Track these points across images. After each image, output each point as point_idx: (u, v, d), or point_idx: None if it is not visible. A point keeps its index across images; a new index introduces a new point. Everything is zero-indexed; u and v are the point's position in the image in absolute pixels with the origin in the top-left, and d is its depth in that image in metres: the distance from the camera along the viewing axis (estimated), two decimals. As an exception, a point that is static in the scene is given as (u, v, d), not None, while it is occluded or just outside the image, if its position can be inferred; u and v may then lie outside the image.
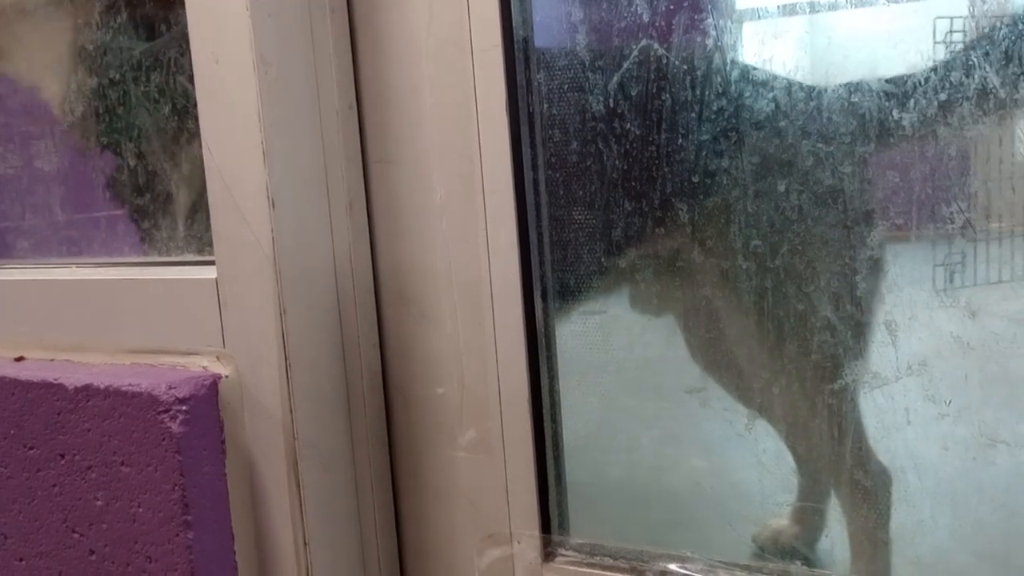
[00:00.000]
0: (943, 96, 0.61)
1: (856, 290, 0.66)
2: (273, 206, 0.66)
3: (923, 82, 0.61)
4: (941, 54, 0.61)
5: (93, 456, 0.71)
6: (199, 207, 0.79)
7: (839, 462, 0.69)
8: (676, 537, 0.72)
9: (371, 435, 0.75)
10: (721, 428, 0.72)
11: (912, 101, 0.62)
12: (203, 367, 0.70)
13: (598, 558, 0.71)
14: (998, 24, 0.59)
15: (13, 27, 0.92)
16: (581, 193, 0.73)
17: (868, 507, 0.69)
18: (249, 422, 0.70)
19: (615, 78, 0.70)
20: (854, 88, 0.63)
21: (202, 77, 0.68)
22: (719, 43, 0.67)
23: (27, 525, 0.76)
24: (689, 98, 0.68)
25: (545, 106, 0.71)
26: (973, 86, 0.60)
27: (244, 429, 0.70)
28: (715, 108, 0.68)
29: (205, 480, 0.67)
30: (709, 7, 0.67)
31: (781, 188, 0.67)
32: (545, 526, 0.72)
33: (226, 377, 0.69)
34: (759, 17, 0.66)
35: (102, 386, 0.70)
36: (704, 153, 0.68)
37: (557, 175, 0.73)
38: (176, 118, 0.81)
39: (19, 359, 0.80)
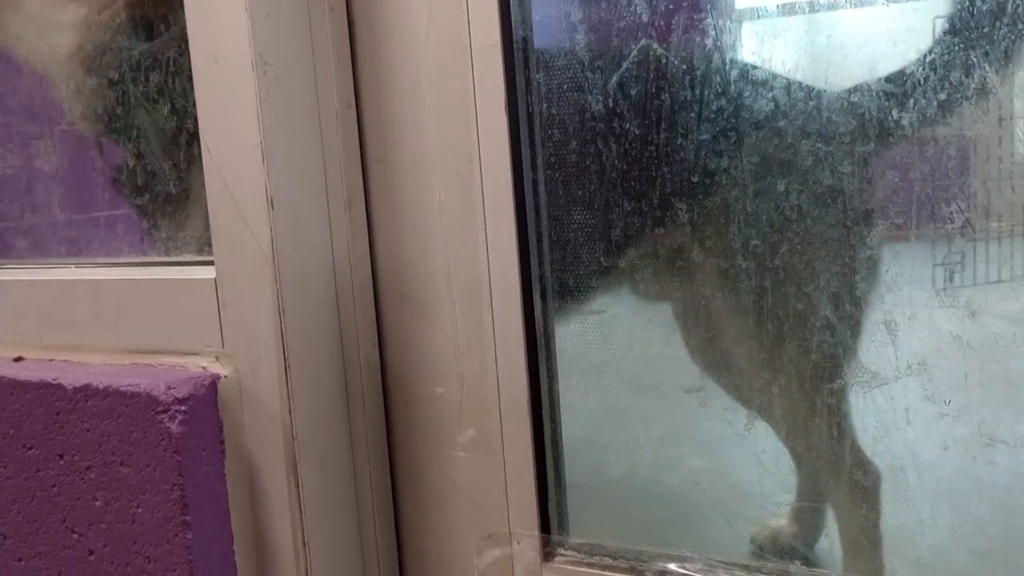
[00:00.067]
0: (942, 95, 0.61)
1: (855, 289, 0.66)
2: (272, 206, 0.66)
3: (922, 81, 0.61)
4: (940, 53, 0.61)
5: (92, 456, 0.71)
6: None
7: (830, 461, 0.70)
8: (675, 537, 0.72)
9: (370, 435, 0.75)
10: (720, 428, 0.72)
11: (911, 100, 0.62)
12: (202, 367, 0.70)
13: (597, 558, 0.71)
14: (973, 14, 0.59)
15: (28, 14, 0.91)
16: (580, 192, 0.73)
17: (858, 506, 0.69)
18: (248, 422, 0.70)
19: (614, 78, 0.70)
20: (853, 88, 0.63)
21: (201, 77, 0.68)
22: (718, 43, 0.67)
23: (26, 525, 0.76)
24: (688, 98, 0.68)
25: (544, 106, 0.71)
26: (973, 86, 0.60)
27: (243, 429, 0.70)
28: (714, 108, 0.68)
29: (204, 480, 0.67)
30: (708, 7, 0.67)
31: (780, 188, 0.67)
32: (544, 526, 0.72)
33: (225, 377, 0.69)
34: (758, 17, 0.66)
35: (101, 386, 0.70)
36: (703, 153, 0.68)
37: (556, 174, 0.73)
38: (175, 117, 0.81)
39: (18, 359, 0.80)
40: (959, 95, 0.60)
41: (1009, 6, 0.58)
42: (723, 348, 0.74)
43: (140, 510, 0.69)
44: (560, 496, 0.74)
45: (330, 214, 0.71)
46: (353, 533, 0.74)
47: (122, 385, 0.68)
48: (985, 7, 0.59)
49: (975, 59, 0.60)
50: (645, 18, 0.68)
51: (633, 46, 0.69)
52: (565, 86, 0.71)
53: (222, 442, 0.69)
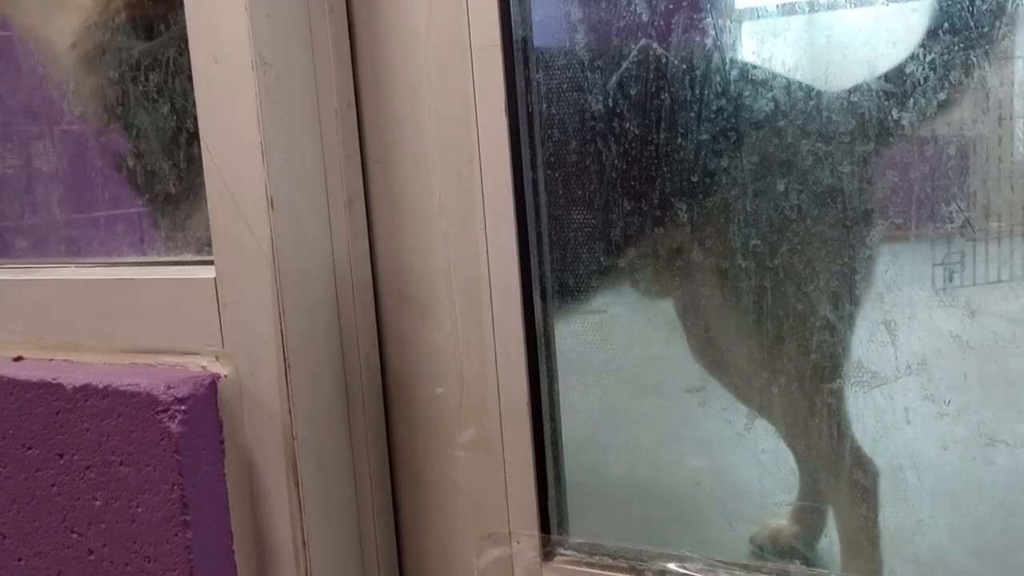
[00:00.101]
0: (941, 95, 0.61)
1: (855, 289, 0.66)
2: (272, 206, 0.66)
3: (921, 81, 0.61)
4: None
5: (92, 456, 0.71)
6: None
7: (830, 460, 0.70)
8: (675, 536, 0.72)
9: (370, 434, 0.75)
10: (720, 428, 0.72)
11: (911, 100, 0.62)
12: (202, 367, 0.70)
13: (597, 557, 0.71)
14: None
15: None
16: (580, 192, 0.73)
17: (857, 504, 0.69)
18: (248, 422, 0.70)
19: (614, 77, 0.70)
20: (853, 88, 0.63)
21: (201, 77, 0.68)
22: (718, 42, 0.67)
23: (26, 525, 0.76)
24: (688, 97, 0.68)
25: (544, 105, 0.71)
26: (972, 85, 0.60)
27: (243, 429, 0.70)
28: (714, 108, 0.68)
29: (204, 480, 0.67)
30: (708, 6, 0.67)
31: (780, 187, 0.67)
32: (544, 525, 0.72)
33: (225, 377, 0.69)
34: (758, 16, 0.66)
35: (101, 386, 0.70)
36: (703, 153, 0.68)
37: (556, 174, 0.73)
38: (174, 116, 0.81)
39: (17, 359, 0.80)
40: (953, 91, 0.60)
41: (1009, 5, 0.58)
42: (725, 347, 0.74)
43: (140, 510, 0.69)
44: (560, 496, 0.74)
45: (330, 214, 0.71)
46: (353, 533, 0.74)
47: (122, 385, 0.68)
48: (985, 7, 0.59)
49: (975, 58, 0.60)
50: (645, 18, 0.68)
51: (633, 46, 0.69)
52: (565, 86, 0.71)
53: (222, 442, 0.69)
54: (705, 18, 0.67)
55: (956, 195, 0.61)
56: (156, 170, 0.83)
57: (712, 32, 0.67)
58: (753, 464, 0.71)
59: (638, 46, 0.69)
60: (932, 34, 0.61)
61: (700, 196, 0.69)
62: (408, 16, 0.70)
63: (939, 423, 0.64)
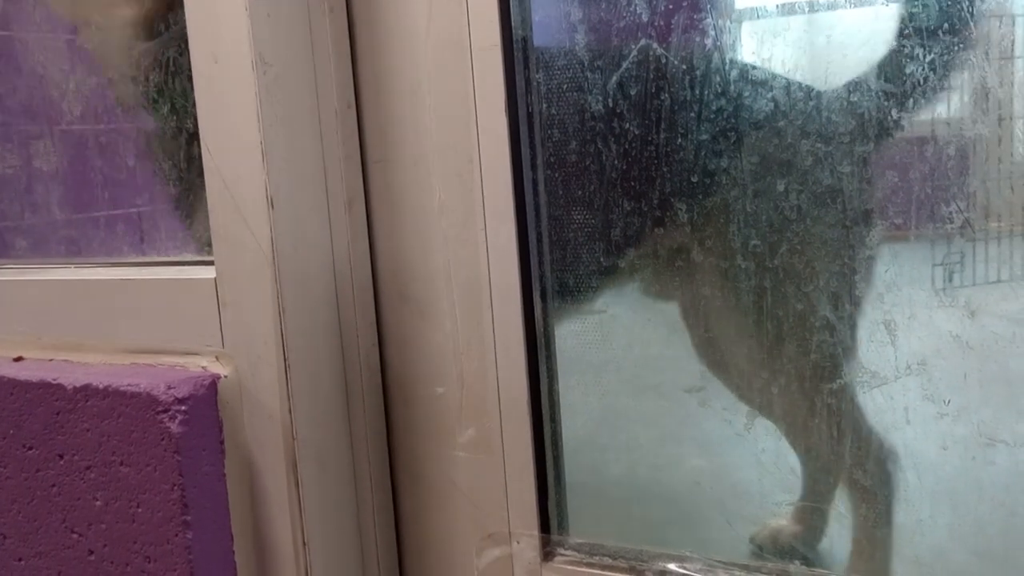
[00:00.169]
0: (935, 92, 0.61)
1: (855, 289, 0.66)
2: (272, 206, 0.66)
3: (921, 80, 0.61)
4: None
5: (92, 456, 0.71)
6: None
7: (846, 449, 0.69)
8: (675, 536, 0.72)
9: (370, 434, 0.75)
10: (720, 428, 0.72)
11: (911, 100, 0.62)
12: (202, 367, 0.70)
13: (597, 558, 0.71)
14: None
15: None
16: (580, 193, 0.73)
17: (877, 488, 0.68)
18: (248, 422, 0.70)
19: (614, 78, 0.70)
20: (853, 87, 0.63)
21: (201, 77, 0.68)
22: (718, 43, 0.67)
23: (26, 525, 0.76)
24: (688, 98, 0.68)
25: (544, 106, 0.71)
26: (972, 85, 0.60)
27: (243, 429, 0.70)
28: (714, 108, 0.68)
29: (204, 480, 0.67)
30: (708, 7, 0.67)
31: (780, 187, 0.67)
32: (544, 525, 0.72)
33: (225, 377, 0.69)
34: (758, 17, 0.66)
35: (101, 386, 0.70)
36: (703, 153, 0.68)
37: (556, 174, 0.73)
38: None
39: (18, 359, 0.80)
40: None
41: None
42: (726, 347, 0.74)
43: (140, 510, 0.69)
44: (560, 496, 0.74)
45: (330, 214, 0.71)
46: (353, 533, 0.74)
47: (122, 385, 0.68)
48: (985, 6, 0.59)
49: (973, 58, 0.60)
50: (645, 18, 0.68)
51: (633, 46, 0.69)
52: (565, 86, 0.71)
53: (222, 442, 0.69)
54: (705, 18, 0.67)
55: (956, 195, 0.62)
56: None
57: (712, 32, 0.67)
58: (753, 464, 0.71)
59: (638, 46, 0.69)
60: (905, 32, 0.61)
61: (700, 196, 0.69)
62: (408, 16, 0.70)
63: (939, 423, 0.64)
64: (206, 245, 0.74)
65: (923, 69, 0.61)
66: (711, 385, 0.74)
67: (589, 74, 0.71)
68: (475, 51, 0.67)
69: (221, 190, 0.68)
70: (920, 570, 0.68)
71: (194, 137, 0.71)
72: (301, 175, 0.69)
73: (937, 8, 0.60)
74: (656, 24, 0.68)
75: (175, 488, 0.66)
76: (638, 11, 0.68)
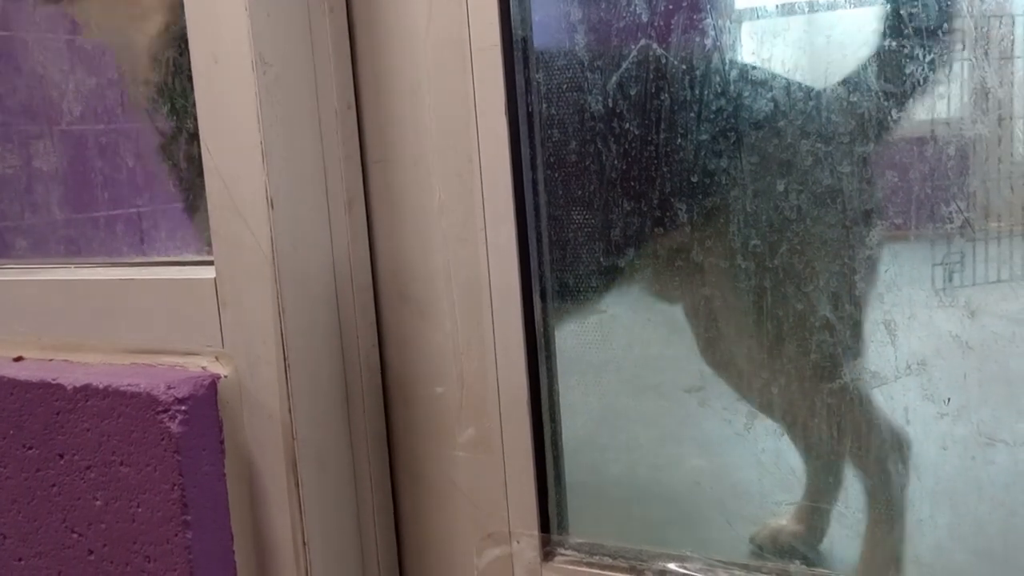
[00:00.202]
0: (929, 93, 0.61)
1: (855, 289, 0.66)
2: (272, 206, 0.66)
3: (921, 81, 0.61)
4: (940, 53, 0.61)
5: (92, 456, 0.71)
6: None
7: (857, 442, 0.69)
8: (675, 536, 0.72)
9: (370, 434, 0.75)
10: (720, 428, 0.72)
11: (910, 101, 0.62)
12: (202, 367, 0.70)
13: (597, 557, 0.71)
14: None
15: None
16: (580, 193, 0.73)
17: (891, 475, 0.68)
18: (248, 422, 0.70)
19: (614, 78, 0.70)
20: (853, 87, 0.63)
21: (201, 77, 0.68)
22: (718, 43, 0.67)
23: (26, 525, 0.76)
24: (688, 98, 0.68)
25: (544, 106, 0.71)
26: (972, 86, 0.60)
27: (243, 429, 0.70)
28: (714, 108, 0.68)
29: (204, 480, 0.67)
30: (708, 7, 0.67)
31: (780, 187, 0.67)
32: (544, 525, 0.72)
33: (225, 377, 0.69)
34: (758, 17, 0.66)
35: (101, 386, 0.70)
36: (703, 153, 0.68)
37: (556, 175, 0.73)
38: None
39: (18, 359, 0.80)
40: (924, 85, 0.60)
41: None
42: (726, 346, 0.74)
43: (140, 510, 0.69)
44: (560, 496, 0.74)
45: (330, 214, 0.71)
46: (353, 532, 0.74)
47: (122, 385, 0.68)
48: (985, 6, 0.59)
49: (974, 58, 0.60)
50: (645, 18, 0.68)
51: (633, 46, 0.69)
52: (565, 86, 0.71)
53: (222, 442, 0.69)
54: (705, 18, 0.67)
55: (956, 195, 0.62)
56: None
57: (712, 32, 0.67)
58: (753, 464, 0.71)
59: (638, 46, 0.69)
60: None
61: (700, 196, 0.69)
62: (408, 16, 0.70)
63: (939, 423, 0.64)
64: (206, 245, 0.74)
65: (920, 68, 0.61)
66: (711, 385, 0.74)
67: (589, 74, 0.71)
68: (475, 51, 0.68)
69: (221, 190, 0.68)
70: (920, 570, 0.68)
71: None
72: (301, 175, 0.69)
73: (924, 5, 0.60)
74: (656, 24, 0.68)
75: (175, 488, 0.66)
76: (638, 11, 0.68)
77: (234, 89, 0.66)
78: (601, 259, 0.74)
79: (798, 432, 0.71)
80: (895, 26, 0.61)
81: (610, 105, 0.70)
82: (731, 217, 0.68)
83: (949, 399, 0.63)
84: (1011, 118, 0.61)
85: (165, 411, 0.66)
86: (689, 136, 0.69)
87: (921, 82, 0.61)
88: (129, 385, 0.68)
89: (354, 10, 0.72)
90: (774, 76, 0.66)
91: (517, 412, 0.71)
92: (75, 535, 0.73)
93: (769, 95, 0.66)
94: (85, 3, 0.95)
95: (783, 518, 0.74)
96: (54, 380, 0.72)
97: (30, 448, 0.75)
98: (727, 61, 0.67)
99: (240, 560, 0.70)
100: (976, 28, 0.60)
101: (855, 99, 0.63)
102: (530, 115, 0.70)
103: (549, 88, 0.71)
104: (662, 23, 0.68)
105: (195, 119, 0.69)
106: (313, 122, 0.70)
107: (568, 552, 0.72)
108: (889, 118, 0.63)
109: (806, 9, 0.64)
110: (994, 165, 0.61)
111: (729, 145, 0.68)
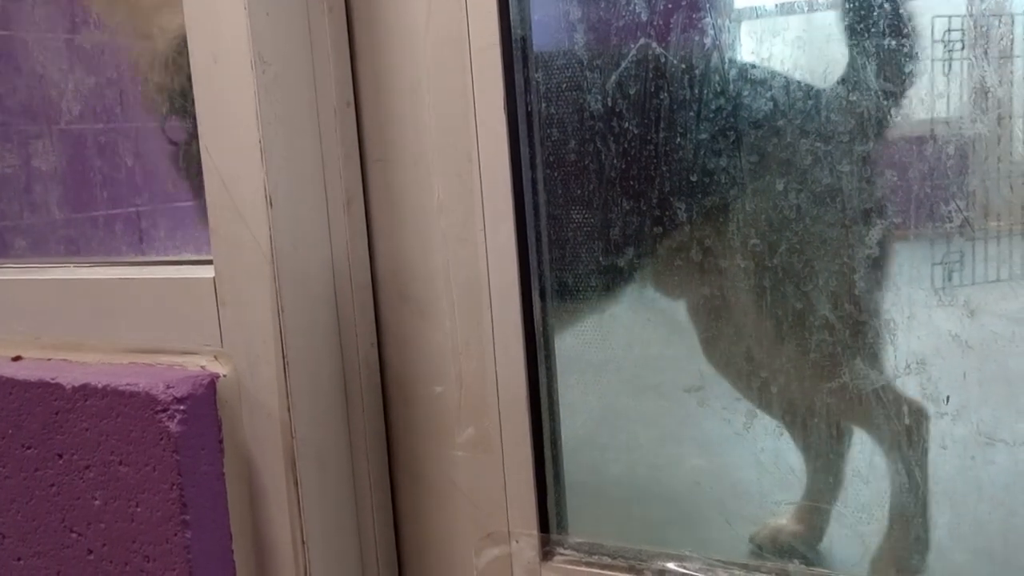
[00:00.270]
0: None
1: (855, 288, 0.66)
2: (271, 205, 0.66)
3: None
4: (940, 52, 0.61)
5: (91, 456, 0.71)
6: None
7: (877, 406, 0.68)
8: (675, 536, 0.72)
9: (369, 434, 0.75)
10: (720, 427, 0.72)
11: (909, 101, 0.62)
12: (201, 366, 0.70)
13: (596, 557, 0.71)
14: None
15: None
16: (579, 192, 0.73)
17: (910, 444, 0.67)
18: (247, 421, 0.70)
19: (613, 77, 0.70)
20: (852, 86, 0.63)
21: (200, 75, 0.68)
22: (717, 42, 0.67)
23: (25, 525, 0.76)
24: (687, 97, 0.68)
25: (543, 105, 0.71)
26: (972, 85, 0.60)
27: (242, 428, 0.70)
28: (713, 107, 0.68)
29: (203, 479, 0.67)
30: (707, 6, 0.67)
31: (779, 186, 0.67)
32: (543, 525, 0.72)
33: (224, 376, 0.69)
34: (757, 16, 0.66)
35: (100, 385, 0.70)
36: (702, 152, 0.68)
37: (555, 174, 0.73)
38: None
39: (16, 358, 0.80)
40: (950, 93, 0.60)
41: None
42: (726, 346, 0.74)
43: (139, 509, 0.69)
44: (559, 495, 0.74)
45: (329, 213, 0.71)
46: (352, 532, 0.74)
47: (121, 384, 0.68)
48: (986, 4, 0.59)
49: (976, 58, 0.60)
50: (644, 17, 0.68)
51: (632, 45, 0.69)
52: (564, 85, 0.71)
53: (221, 441, 0.69)
54: (704, 17, 0.67)
55: (955, 194, 0.61)
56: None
57: (711, 31, 0.67)
58: (753, 464, 0.71)
59: (637, 46, 0.69)
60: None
61: (699, 195, 0.69)
62: (407, 15, 0.70)
63: (938, 422, 0.64)
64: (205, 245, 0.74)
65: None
66: (711, 385, 0.74)
67: (588, 73, 0.71)
68: (474, 50, 0.67)
69: (220, 189, 0.68)
70: (920, 570, 0.67)
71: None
72: (300, 174, 0.69)
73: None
74: (655, 23, 0.68)
75: (174, 487, 0.66)
76: (637, 10, 0.68)
77: (233, 88, 0.66)
78: (601, 258, 0.74)
79: (798, 431, 0.71)
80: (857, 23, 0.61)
81: (609, 104, 0.70)
82: (731, 216, 0.68)
83: (948, 398, 0.63)
84: (1010, 117, 0.61)
85: (164, 410, 0.66)
86: (688, 135, 0.69)
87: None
88: (128, 384, 0.68)
89: (353, 9, 0.72)
90: (773, 75, 0.65)
91: (516, 412, 0.71)
92: (74, 535, 0.73)
93: (768, 94, 0.66)
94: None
95: (783, 518, 0.74)
96: (53, 380, 0.72)
97: (29, 448, 0.75)
98: (726, 60, 0.67)
99: (239, 559, 0.70)
100: (976, 27, 0.60)
101: (854, 98, 0.63)
102: (529, 114, 0.70)
103: (548, 87, 0.71)
104: (661, 22, 0.68)
105: (193, 118, 0.69)
106: (312, 121, 0.70)
107: (567, 552, 0.72)
108: (888, 117, 0.62)
109: (805, 8, 0.64)
110: (993, 164, 0.61)
111: (728, 144, 0.68)
